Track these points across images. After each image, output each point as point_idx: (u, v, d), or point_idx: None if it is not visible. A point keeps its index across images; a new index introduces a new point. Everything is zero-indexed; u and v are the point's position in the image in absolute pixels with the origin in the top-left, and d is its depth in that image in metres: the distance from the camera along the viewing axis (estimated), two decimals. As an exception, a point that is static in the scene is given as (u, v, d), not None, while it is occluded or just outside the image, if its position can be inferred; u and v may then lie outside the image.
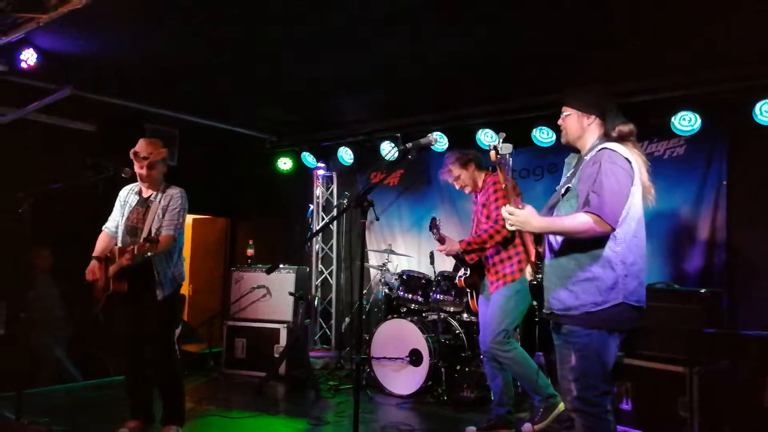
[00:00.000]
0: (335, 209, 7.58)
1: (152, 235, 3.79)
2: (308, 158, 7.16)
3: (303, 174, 7.55)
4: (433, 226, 4.37)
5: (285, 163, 7.32)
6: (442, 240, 4.30)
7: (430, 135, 3.01)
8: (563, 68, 4.88)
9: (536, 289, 2.90)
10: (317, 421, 4.49)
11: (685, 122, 4.86)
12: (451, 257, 6.25)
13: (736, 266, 4.83)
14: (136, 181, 4.10)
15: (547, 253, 2.87)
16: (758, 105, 4.54)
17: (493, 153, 2.69)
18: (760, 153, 4.77)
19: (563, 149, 5.64)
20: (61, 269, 5.76)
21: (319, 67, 5.10)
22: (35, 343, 5.49)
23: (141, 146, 3.95)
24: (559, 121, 2.91)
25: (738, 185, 4.89)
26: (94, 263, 3.97)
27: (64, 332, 5.82)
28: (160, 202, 3.97)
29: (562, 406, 3.89)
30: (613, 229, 2.60)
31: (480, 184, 4.29)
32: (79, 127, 6.10)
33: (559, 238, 2.79)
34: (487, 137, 5.73)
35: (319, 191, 7.69)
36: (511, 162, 2.69)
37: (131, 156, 3.97)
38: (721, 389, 4.13)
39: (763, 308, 4.55)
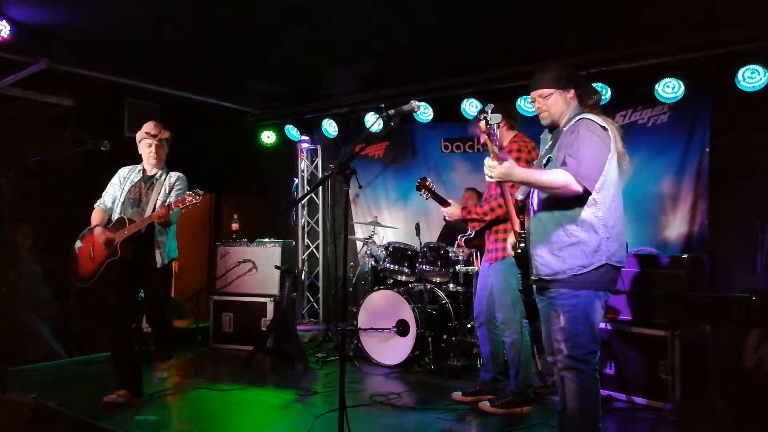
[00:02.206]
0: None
1: (159, 204, 4.07)
2: (292, 131, 7.08)
3: (287, 147, 7.48)
4: (421, 187, 4.17)
5: (268, 137, 7.24)
6: (444, 202, 4.14)
7: (412, 102, 2.98)
8: (548, 37, 4.86)
9: (522, 258, 3.03)
10: (305, 392, 4.51)
11: (669, 89, 4.85)
12: (441, 230, 6.36)
13: (718, 232, 4.90)
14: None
15: (532, 221, 2.97)
16: (741, 71, 4.55)
17: (483, 123, 2.75)
18: (743, 119, 4.79)
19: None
20: (45, 246, 5.70)
21: (301, 38, 5.02)
22: (20, 321, 5.46)
23: (151, 127, 4.23)
24: (537, 106, 2.96)
25: (721, 152, 4.92)
26: (99, 230, 4.09)
27: (49, 309, 5.78)
28: (165, 180, 4.24)
29: (525, 410, 3.91)
30: (587, 192, 2.72)
31: (505, 144, 4.06)
32: (57, 101, 5.97)
33: (539, 204, 2.91)
34: (471, 107, 5.69)
35: (303, 165, 7.64)
36: (497, 132, 2.77)
37: (143, 137, 4.20)
38: (702, 352, 4.22)
39: (744, 272, 4.62)
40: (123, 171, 4.36)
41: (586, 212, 2.76)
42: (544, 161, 2.94)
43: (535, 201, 2.97)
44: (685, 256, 4.23)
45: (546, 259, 2.85)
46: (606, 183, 2.78)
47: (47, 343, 5.63)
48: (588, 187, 2.70)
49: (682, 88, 4.80)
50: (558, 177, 2.70)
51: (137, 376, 4.19)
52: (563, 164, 2.74)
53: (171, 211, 3.89)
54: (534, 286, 3.01)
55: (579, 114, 2.86)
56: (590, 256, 2.76)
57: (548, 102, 2.93)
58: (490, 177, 2.74)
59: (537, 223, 2.92)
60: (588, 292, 2.78)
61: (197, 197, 3.83)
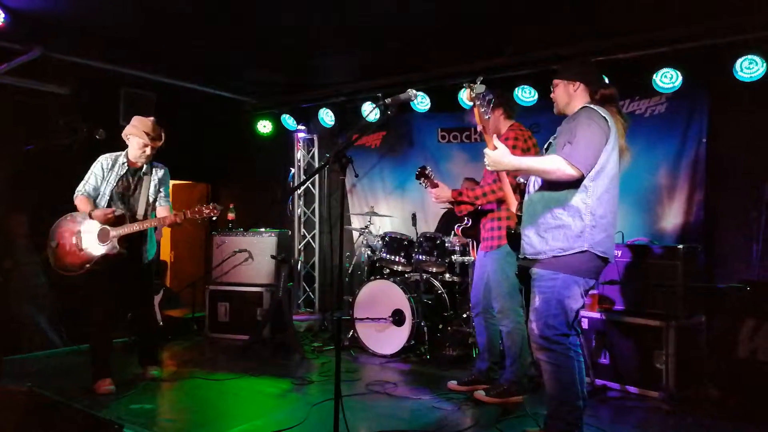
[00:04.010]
0: (316, 170, 7.54)
1: (150, 204, 4.24)
2: (288, 121, 7.06)
3: (283, 137, 7.45)
4: (421, 176, 4.14)
5: (265, 126, 7.21)
6: (435, 185, 4.13)
7: (409, 90, 2.96)
8: (545, 26, 4.83)
9: (516, 239, 3.15)
10: (301, 381, 4.52)
11: (667, 80, 4.85)
12: (437, 217, 6.36)
13: (714, 222, 4.90)
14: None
15: (525, 203, 3.09)
16: (739, 61, 4.54)
17: (468, 92, 2.86)
18: (740, 110, 4.78)
19: (545, 108, 5.62)
20: (40, 235, 5.67)
21: (299, 26, 4.99)
22: (16, 311, 5.45)
23: (151, 128, 4.18)
24: (552, 95, 3.14)
25: (718, 142, 4.92)
26: (100, 211, 4.08)
27: (45, 299, 5.76)
28: (153, 174, 4.30)
29: (521, 399, 3.91)
30: (582, 176, 2.78)
31: (502, 132, 4.08)
32: (52, 90, 5.92)
33: (536, 187, 3.00)
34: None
35: (300, 154, 7.61)
36: (488, 102, 2.86)
37: (139, 135, 4.14)
38: (697, 342, 4.23)
39: (739, 263, 4.63)
40: (105, 161, 4.25)
41: (575, 198, 2.83)
42: (545, 146, 3.08)
43: (530, 183, 3.08)
44: (680, 246, 4.23)
45: (531, 239, 2.96)
46: (602, 173, 2.83)
47: (43, 332, 5.62)
48: (582, 170, 2.75)
49: (680, 78, 4.79)
50: (550, 162, 2.78)
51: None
52: (561, 150, 2.83)
53: (186, 219, 4.05)
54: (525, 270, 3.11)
55: (586, 104, 2.96)
56: (572, 240, 2.83)
57: (555, 92, 3.10)
58: (486, 164, 2.86)
59: (529, 205, 3.04)
60: (566, 276, 2.85)
61: (215, 211, 4.01)
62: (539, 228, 2.93)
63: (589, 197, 2.83)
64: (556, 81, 3.09)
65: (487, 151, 2.82)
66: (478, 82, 2.82)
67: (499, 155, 2.79)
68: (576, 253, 2.83)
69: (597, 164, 2.81)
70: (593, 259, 2.85)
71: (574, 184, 2.81)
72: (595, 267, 2.89)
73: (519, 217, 3.15)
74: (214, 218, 4.03)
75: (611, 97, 2.99)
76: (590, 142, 2.79)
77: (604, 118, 2.85)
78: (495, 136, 3.93)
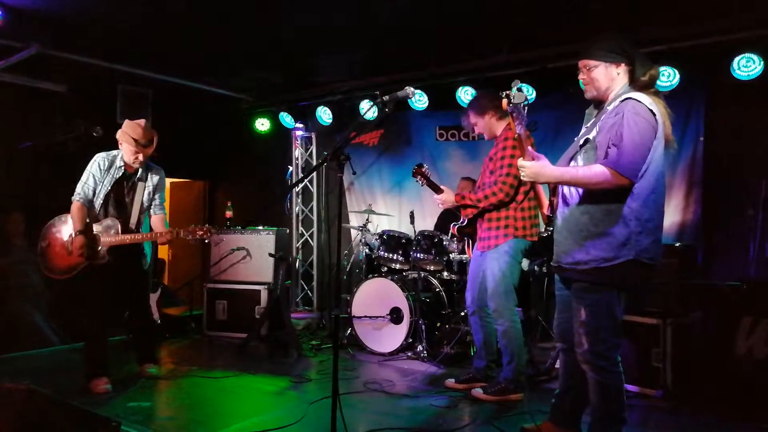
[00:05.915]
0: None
1: (143, 211, 4.17)
2: (286, 119, 7.06)
3: (281, 135, 7.45)
4: (417, 174, 4.13)
5: (262, 124, 7.21)
6: (438, 189, 4.13)
7: (407, 87, 2.96)
8: (542, 25, 4.83)
9: (547, 241, 2.94)
10: (299, 379, 4.52)
11: (664, 78, 4.85)
12: (435, 216, 6.36)
13: (711, 220, 4.91)
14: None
15: (560, 206, 2.84)
16: (736, 60, 4.55)
17: (504, 102, 2.64)
18: (738, 108, 4.79)
19: (542, 107, 5.63)
20: (37, 233, 5.66)
21: (296, 24, 4.98)
22: (13, 309, 5.44)
23: (141, 135, 3.98)
24: (582, 77, 2.76)
25: (715, 140, 4.93)
26: (81, 239, 3.96)
27: (43, 297, 5.75)
28: (148, 179, 4.19)
29: (518, 397, 3.92)
30: (632, 183, 2.52)
31: (498, 133, 4.06)
32: (48, 87, 5.91)
33: (574, 191, 2.73)
34: (466, 95, 5.68)
35: (297, 152, 7.62)
36: (525, 112, 2.63)
37: (129, 141, 3.98)
38: (694, 340, 4.24)
39: (736, 261, 4.64)
40: (102, 161, 4.09)
41: (618, 202, 2.56)
42: (581, 141, 2.73)
43: (564, 186, 2.82)
44: (677, 244, 4.25)
45: (568, 247, 2.71)
46: (647, 173, 2.55)
47: (40, 330, 5.61)
48: (632, 178, 2.49)
49: (678, 76, 4.80)
50: (596, 173, 2.51)
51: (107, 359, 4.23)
52: (606, 155, 2.55)
53: (178, 238, 4.00)
54: (555, 274, 2.92)
55: (627, 93, 2.62)
56: (616, 250, 2.56)
57: (592, 75, 2.70)
58: (524, 177, 2.64)
59: (564, 210, 2.79)
60: (611, 288, 2.63)
61: (208, 234, 3.96)
62: (577, 235, 2.66)
63: (634, 201, 2.55)
64: (594, 62, 2.68)
65: (523, 162, 2.60)
66: (515, 89, 2.57)
67: (538, 167, 2.57)
68: (621, 263, 2.56)
69: None
70: (639, 267, 2.58)
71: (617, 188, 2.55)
72: (640, 275, 2.63)
73: (549, 219, 2.94)
74: (206, 241, 4.00)
75: (654, 80, 2.65)
76: (639, 144, 2.48)
77: (651, 111, 2.53)
78: (508, 138, 3.90)
